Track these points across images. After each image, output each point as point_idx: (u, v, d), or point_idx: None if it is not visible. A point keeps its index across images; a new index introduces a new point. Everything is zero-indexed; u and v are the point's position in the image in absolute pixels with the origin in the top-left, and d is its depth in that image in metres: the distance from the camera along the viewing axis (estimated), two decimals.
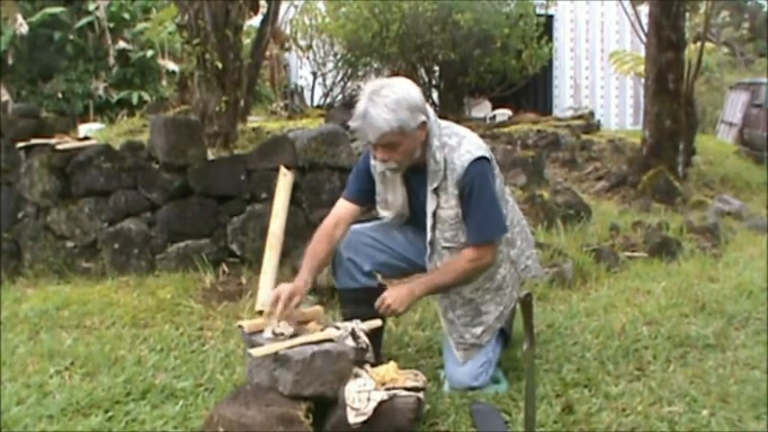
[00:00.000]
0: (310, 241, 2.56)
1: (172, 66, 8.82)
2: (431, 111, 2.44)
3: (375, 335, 2.50)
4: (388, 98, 2.29)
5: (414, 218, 2.57)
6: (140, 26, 9.25)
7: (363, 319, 2.38)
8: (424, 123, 2.36)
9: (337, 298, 3.40)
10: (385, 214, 2.61)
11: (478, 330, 2.52)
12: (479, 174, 2.37)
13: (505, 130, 7.97)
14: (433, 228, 2.46)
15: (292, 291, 2.31)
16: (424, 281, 2.48)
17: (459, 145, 2.40)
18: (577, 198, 5.20)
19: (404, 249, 2.65)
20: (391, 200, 2.57)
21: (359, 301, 2.59)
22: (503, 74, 8.91)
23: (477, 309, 2.52)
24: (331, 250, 2.55)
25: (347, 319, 2.47)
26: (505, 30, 8.53)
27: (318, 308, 2.57)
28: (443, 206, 2.41)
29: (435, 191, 2.41)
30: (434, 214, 2.44)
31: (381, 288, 2.70)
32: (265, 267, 3.45)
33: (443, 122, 2.50)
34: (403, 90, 2.34)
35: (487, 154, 2.43)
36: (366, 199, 2.62)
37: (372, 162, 2.52)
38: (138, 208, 3.98)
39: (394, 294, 2.40)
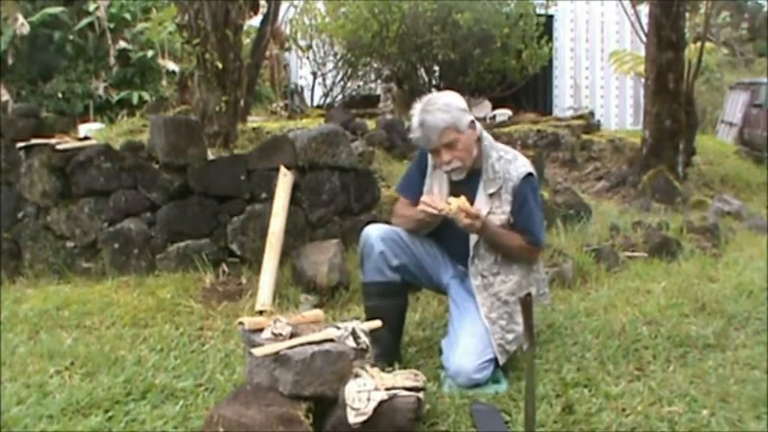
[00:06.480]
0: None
1: (172, 66, 8.80)
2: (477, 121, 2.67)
3: (393, 332, 2.64)
4: (438, 102, 2.58)
5: (445, 220, 2.61)
6: (140, 26, 9.23)
7: (386, 314, 2.49)
8: (473, 123, 2.62)
9: (343, 296, 3.48)
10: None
11: (510, 336, 2.62)
12: (534, 187, 2.68)
13: (505, 130, 7.97)
14: None
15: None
16: (493, 225, 2.60)
17: (516, 159, 2.68)
18: (577, 198, 5.20)
19: (422, 258, 2.77)
20: (436, 191, 2.70)
21: (383, 296, 2.69)
22: (503, 74, 8.92)
23: (510, 315, 2.62)
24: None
25: (370, 313, 2.60)
26: (505, 30, 8.54)
27: (319, 312, 2.57)
28: (495, 211, 2.62)
29: (491, 196, 2.62)
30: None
31: (405, 283, 2.77)
32: (265, 267, 3.46)
33: (490, 137, 2.74)
34: (449, 96, 2.65)
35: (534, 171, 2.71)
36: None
37: (431, 162, 2.71)
38: (138, 208, 3.97)
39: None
